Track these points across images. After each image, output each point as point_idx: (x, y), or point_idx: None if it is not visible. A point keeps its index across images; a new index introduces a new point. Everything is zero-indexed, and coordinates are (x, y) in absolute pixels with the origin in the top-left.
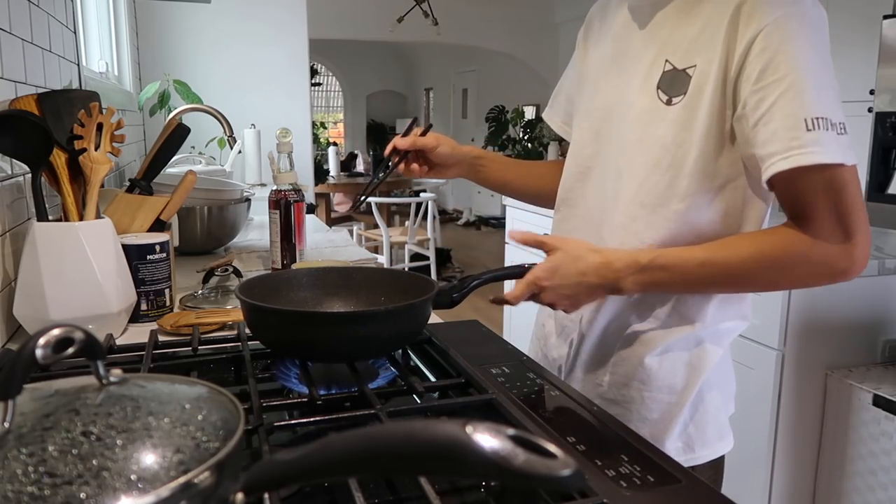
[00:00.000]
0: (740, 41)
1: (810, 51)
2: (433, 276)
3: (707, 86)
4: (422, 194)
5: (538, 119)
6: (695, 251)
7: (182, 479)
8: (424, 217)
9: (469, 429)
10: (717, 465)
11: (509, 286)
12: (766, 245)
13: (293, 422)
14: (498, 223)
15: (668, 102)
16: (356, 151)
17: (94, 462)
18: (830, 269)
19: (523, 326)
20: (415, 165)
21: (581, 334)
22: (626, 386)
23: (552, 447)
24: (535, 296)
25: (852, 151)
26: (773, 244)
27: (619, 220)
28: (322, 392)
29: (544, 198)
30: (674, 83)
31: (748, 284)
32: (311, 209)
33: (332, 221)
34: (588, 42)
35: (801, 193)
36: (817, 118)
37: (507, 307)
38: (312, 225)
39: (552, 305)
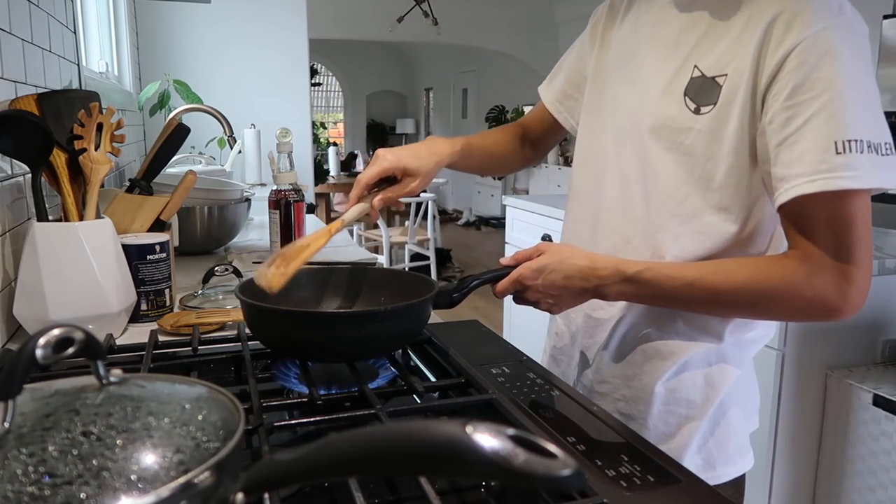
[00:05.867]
0: (773, 54)
1: (851, 69)
2: (433, 276)
3: (737, 98)
4: (422, 194)
5: None
6: (687, 269)
7: (182, 479)
8: (424, 217)
9: (469, 429)
10: (738, 483)
11: None
12: (760, 275)
13: (293, 422)
14: (498, 223)
15: (697, 111)
16: (356, 151)
17: (94, 462)
18: (823, 305)
19: (523, 326)
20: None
21: (597, 347)
22: (643, 401)
23: (552, 447)
24: (520, 294)
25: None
26: (768, 275)
27: (648, 228)
28: (322, 392)
29: (499, 168)
30: (702, 91)
31: (736, 311)
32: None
33: (332, 221)
34: (609, 30)
35: (810, 221)
36: (849, 140)
37: (507, 306)
38: (312, 225)
39: (536, 304)
